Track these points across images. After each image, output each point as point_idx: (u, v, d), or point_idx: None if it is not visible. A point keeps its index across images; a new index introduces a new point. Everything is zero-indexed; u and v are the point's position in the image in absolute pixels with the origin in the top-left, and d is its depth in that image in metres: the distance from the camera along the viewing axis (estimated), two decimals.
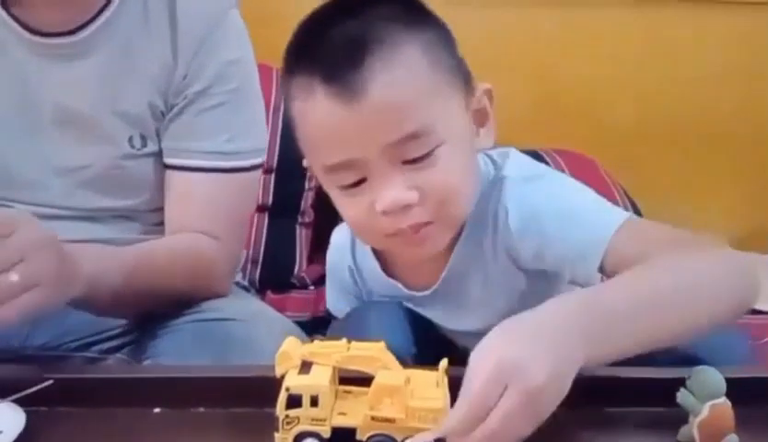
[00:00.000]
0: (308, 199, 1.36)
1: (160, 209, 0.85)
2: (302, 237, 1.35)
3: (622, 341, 0.53)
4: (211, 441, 0.58)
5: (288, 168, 1.33)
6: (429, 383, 0.53)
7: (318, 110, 0.61)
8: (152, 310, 0.79)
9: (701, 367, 0.56)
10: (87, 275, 0.66)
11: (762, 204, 1.56)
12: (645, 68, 1.45)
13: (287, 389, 0.52)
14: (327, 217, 1.37)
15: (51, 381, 0.59)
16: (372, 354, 0.53)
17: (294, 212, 1.35)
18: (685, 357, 0.59)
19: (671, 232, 0.65)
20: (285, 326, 0.80)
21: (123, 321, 0.84)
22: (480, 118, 0.67)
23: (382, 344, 0.53)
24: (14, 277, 0.56)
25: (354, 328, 0.68)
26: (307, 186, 1.36)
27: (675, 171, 1.47)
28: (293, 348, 0.54)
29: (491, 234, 0.69)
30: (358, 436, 0.52)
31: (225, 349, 0.71)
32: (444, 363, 0.53)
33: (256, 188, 0.90)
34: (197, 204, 0.83)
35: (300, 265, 1.32)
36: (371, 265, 0.74)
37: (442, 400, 0.52)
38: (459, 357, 0.53)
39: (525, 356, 0.48)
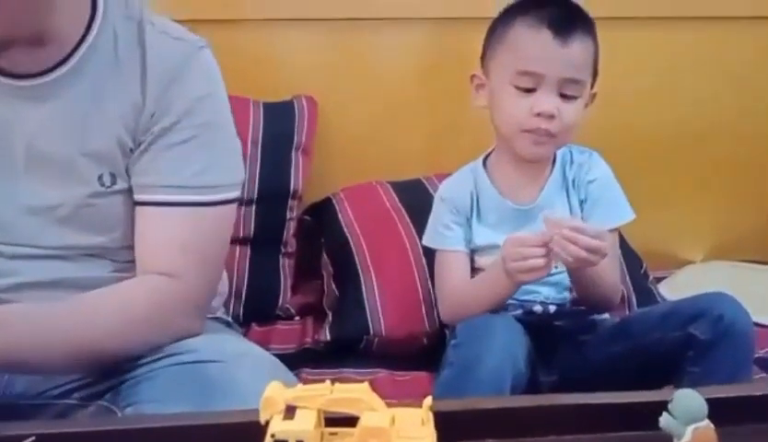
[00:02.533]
0: (289, 229, 1.36)
1: (131, 247, 0.84)
2: (285, 267, 1.34)
3: None
4: None
5: (270, 199, 1.33)
6: (414, 421, 0.53)
7: (539, 40, 0.99)
8: (112, 360, 0.79)
9: (682, 391, 0.56)
10: (9, 340, 0.69)
11: (737, 214, 1.58)
12: (614, 81, 1.46)
13: (273, 436, 0.51)
14: (309, 247, 1.39)
15: (32, 438, 0.58)
16: (357, 396, 0.52)
17: (276, 242, 1.34)
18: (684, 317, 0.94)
19: None
20: (268, 364, 0.80)
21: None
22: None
23: (366, 385, 0.53)
24: None
25: (483, 333, 0.92)
26: (288, 216, 1.35)
27: (653, 183, 1.49)
28: (277, 393, 0.54)
29: (575, 171, 1.08)
30: None
31: (206, 393, 0.70)
32: (428, 400, 0.54)
33: (229, 223, 0.88)
34: (161, 240, 0.82)
35: (285, 296, 1.31)
36: (490, 190, 1.08)
37: (429, 438, 0.52)
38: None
39: None
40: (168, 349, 0.79)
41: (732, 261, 1.53)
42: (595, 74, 1.05)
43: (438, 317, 1.15)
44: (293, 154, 1.38)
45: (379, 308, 1.21)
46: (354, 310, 1.22)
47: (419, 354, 1.18)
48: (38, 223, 0.82)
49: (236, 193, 0.87)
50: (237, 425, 0.58)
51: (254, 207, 1.32)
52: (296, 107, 1.41)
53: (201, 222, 0.83)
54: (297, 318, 1.30)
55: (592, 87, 1.06)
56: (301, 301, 1.34)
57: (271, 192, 1.33)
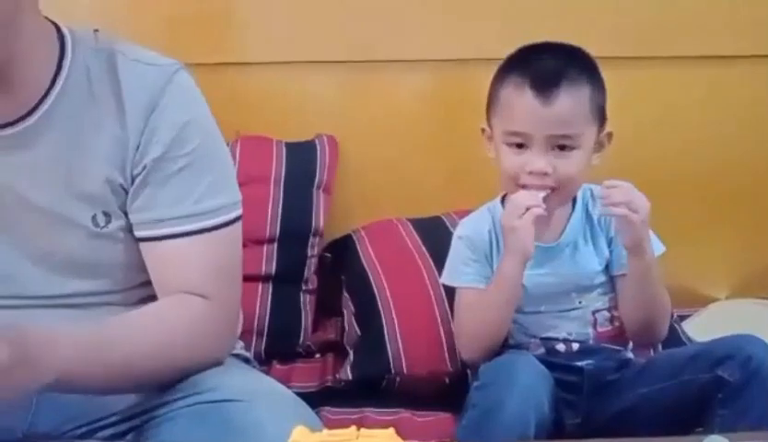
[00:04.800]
0: (311, 266, 1.36)
1: (138, 286, 0.84)
2: (306, 304, 1.34)
3: None
4: None
5: (291, 237, 1.34)
6: None
7: (523, 101, 0.99)
8: (154, 379, 0.79)
9: (711, 436, 0.56)
10: (60, 365, 0.69)
11: (761, 250, 1.56)
12: (632, 119, 1.47)
13: None
14: (330, 284, 1.39)
15: None
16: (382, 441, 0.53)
17: (297, 280, 1.34)
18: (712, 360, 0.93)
19: None
20: (290, 403, 0.79)
21: (127, 405, 0.83)
22: (598, 147, 1.04)
23: (392, 431, 0.53)
24: None
25: (506, 375, 0.91)
26: (309, 253, 1.36)
27: (674, 220, 1.48)
28: (303, 437, 0.54)
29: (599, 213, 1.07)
30: None
31: (228, 433, 0.70)
32: None
33: (239, 242, 0.87)
34: (179, 270, 0.82)
35: (306, 333, 1.31)
36: None
37: None
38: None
39: None
40: (189, 388, 0.79)
41: (756, 299, 1.51)
42: (602, 117, 1.03)
43: (461, 357, 1.15)
44: (314, 192, 1.39)
45: (401, 347, 1.20)
46: (376, 349, 1.21)
47: (441, 394, 1.17)
48: (41, 272, 0.82)
49: (239, 211, 0.86)
50: None
51: (276, 245, 1.33)
52: (317, 146, 1.44)
53: (214, 246, 0.82)
54: (318, 355, 1.30)
55: (602, 129, 1.04)
56: (321, 338, 1.33)
57: (292, 231, 1.34)
